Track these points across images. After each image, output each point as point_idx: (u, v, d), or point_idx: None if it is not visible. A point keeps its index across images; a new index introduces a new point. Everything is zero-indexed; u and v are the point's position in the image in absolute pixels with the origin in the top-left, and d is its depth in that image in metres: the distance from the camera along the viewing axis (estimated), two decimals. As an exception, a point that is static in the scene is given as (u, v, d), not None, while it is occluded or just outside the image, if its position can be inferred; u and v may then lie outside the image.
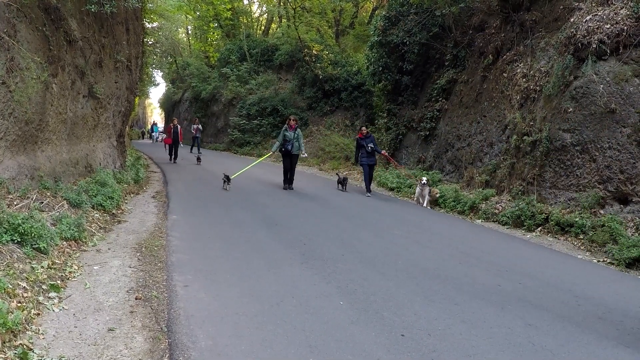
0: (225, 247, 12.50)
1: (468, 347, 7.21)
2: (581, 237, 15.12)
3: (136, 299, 8.44)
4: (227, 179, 23.04)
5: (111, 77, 19.94)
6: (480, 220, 18.34)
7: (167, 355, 6.51)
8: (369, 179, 25.15)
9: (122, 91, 22.41)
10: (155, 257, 11.16)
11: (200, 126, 47.09)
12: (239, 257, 11.53)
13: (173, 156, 38.21)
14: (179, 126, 39.71)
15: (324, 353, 6.78)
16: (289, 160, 24.87)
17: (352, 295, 9.21)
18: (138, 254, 11.24)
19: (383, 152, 27.07)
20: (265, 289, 9.34)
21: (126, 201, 17.84)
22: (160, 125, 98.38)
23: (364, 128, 26.10)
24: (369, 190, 24.82)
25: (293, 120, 25.27)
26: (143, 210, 16.83)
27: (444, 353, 6.98)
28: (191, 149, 46.85)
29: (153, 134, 77.62)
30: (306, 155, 27.72)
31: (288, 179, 24.94)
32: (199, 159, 36.71)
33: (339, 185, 25.79)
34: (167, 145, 39.76)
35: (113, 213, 15.26)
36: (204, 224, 15.18)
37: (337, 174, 29.38)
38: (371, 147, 24.98)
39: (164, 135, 69.97)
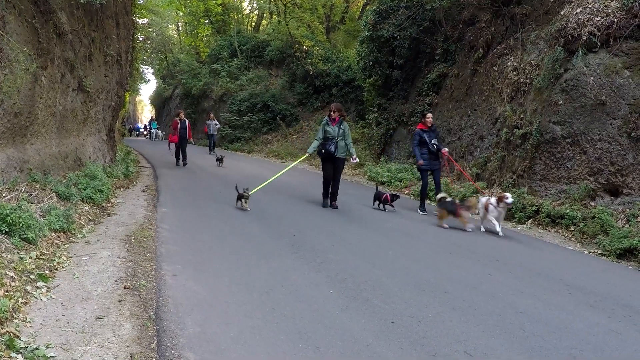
0: (215, 238, 12.49)
1: (458, 334, 7.20)
2: (572, 229, 15.17)
3: (125, 288, 8.40)
4: (242, 196, 16.78)
5: (101, 71, 19.87)
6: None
7: (155, 342, 6.46)
8: (425, 191, 19.19)
9: (112, 85, 22.33)
10: (144, 248, 11.11)
11: (216, 122, 42.61)
12: (228, 248, 11.52)
13: (181, 158, 31.48)
14: (186, 120, 32.29)
15: (313, 339, 6.76)
16: (332, 167, 18.21)
17: (342, 284, 9.20)
18: (127, 245, 11.19)
19: (444, 150, 18.99)
20: (254, 278, 9.32)
21: (116, 195, 17.79)
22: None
23: (429, 115, 19.02)
24: (422, 204, 18.95)
25: (336, 110, 18.32)
26: (133, 203, 16.78)
27: (434, 339, 6.97)
28: (209, 149, 42.19)
29: (152, 130, 74.13)
30: (357, 160, 20.34)
31: (330, 193, 18.44)
32: (220, 159, 31.87)
33: (377, 202, 18.73)
34: (173, 145, 32.80)
35: (102, 206, 15.20)
36: (194, 216, 15.16)
37: (376, 185, 20.85)
38: (436, 145, 18.47)
39: (159, 131, 69.22)
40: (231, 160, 31.09)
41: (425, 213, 18.55)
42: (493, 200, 15.47)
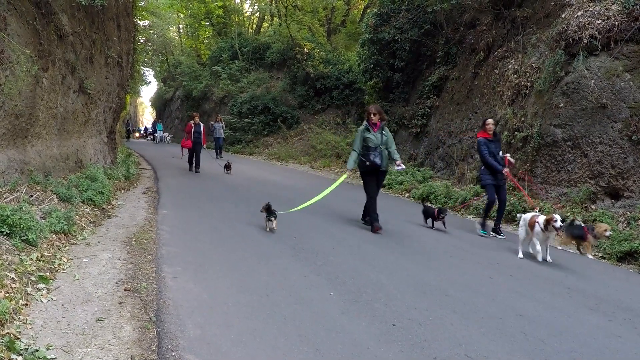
0: (216, 240, 12.47)
1: (459, 337, 7.20)
2: (572, 231, 15.15)
3: (125, 290, 8.40)
4: (269, 213, 14.02)
5: (102, 73, 19.88)
6: (472, 215, 18.36)
7: (155, 344, 6.46)
8: (490, 209, 16.14)
9: (113, 87, 22.34)
10: (145, 250, 11.14)
11: (223, 124, 41.74)
12: (229, 250, 11.51)
13: (195, 164, 29.10)
14: (201, 124, 29.53)
15: (313, 342, 6.76)
16: (375, 180, 15.52)
17: (343, 286, 9.21)
18: (128, 247, 11.22)
19: (507, 156, 15.90)
20: (255, 280, 9.33)
21: (116, 196, 17.79)
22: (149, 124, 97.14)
23: (489, 121, 15.87)
24: (497, 227, 15.82)
25: (376, 112, 15.40)
26: (133, 205, 16.79)
27: (435, 342, 6.96)
28: (216, 153, 40.04)
29: (156, 133, 70.37)
30: (403, 167, 16.45)
31: (373, 208, 15.28)
32: (228, 166, 29.39)
33: (428, 219, 16.36)
34: (186, 151, 29.55)
35: (103, 208, 15.21)
36: (195, 218, 15.17)
37: (423, 203, 18.07)
38: (502, 156, 15.77)
39: (165, 134, 68.09)
40: (233, 163, 30.52)
41: (486, 235, 15.56)
42: (541, 219, 12.57)
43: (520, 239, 13.30)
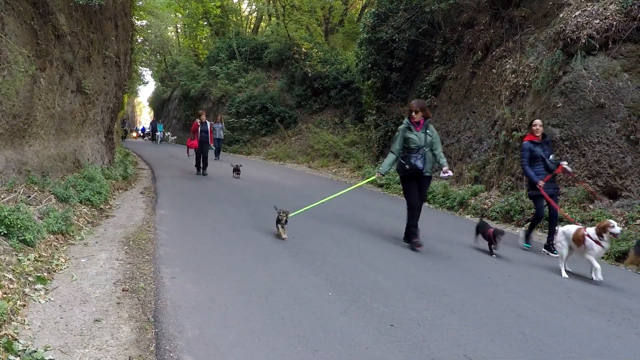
0: (214, 241, 12.45)
1: (458, 337, 7.20)
2: (570, 231, 15.16)
3: (123, 290, 8.38)
4: (281, 219, 13.10)
5: (99, 73, 19.86)
6: (470, 215, 18.39)
7: (153, 345, 6.46)
8: (538, 222, 14.74)
9: (111, 87, 22.32)
10: (143, 250, 11.11)
11: (223, 124, 39.93)
12: (227, 251, 11.49)
13: (202, 165, 27.48)
14: (208, 122, 27.88)
15: (312, 343, 6.75)
16: (416, 187, 13.34)
17: (341, 287, 9.20)
18: (125, 248, 11.20)
19: (563, 164, 14.12)
20: (253, 281, 9.31)
21: (114, 196, 17.76)
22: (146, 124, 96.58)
23: (536, 122, 14.18)
24: (549, 243, 13.83)
25: (419, 109, 13.21)
26: (131, 205, 16.75)
27: (434, 342, 6.96)
28: (215, 154, 37.51)
29: (157, 133, 68.13)
30: (450, 174, 13.68)
31: (413, 222, 13.33)
32: (237, 169, 27.03)
33: (482, 238, 13.49)
34: (193, 152, 27.81)
35: (101, 208, 15.18)
36: (193, 218, 15.14)
37: (481, 217, 16.16)
38: (553, 161, 14.12)
39: (167, 134, 67.49)
40: (231, 164, 29.95)
41: (529, 248, 14.22)
42: (591, 231, 11.14)
43: (562, 258, 11.65)
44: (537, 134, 14.06)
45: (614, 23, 15.94)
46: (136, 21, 41.48)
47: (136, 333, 6.79)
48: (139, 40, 57.11)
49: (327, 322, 7.48)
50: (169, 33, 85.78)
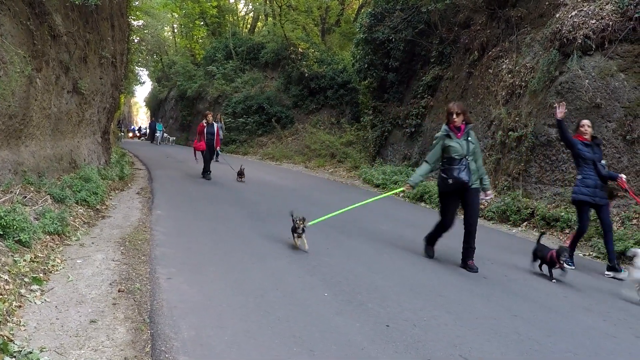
0: (210, 241, 12.45)
1: (453, 337, 7.21)
2: (567, 231, 15.23)
3: (119, 291, 8.37)
4: (297, 228, 11.82)
5: (96, 73, 19.83)
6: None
7: (149, 346, 6.46)
8: (581, 236, 13.11)
9: (107, 87, 22.29)
10: (139, 250, 11.12)
11: (222, 124, 39.03)
12: (223, 251, 11.49)
13: (207, 167, 25.80)
14: (215, 124, 26.31)
15: (308, 343, 6.75)
16: (457, 204, 11.79)
17: (337, 287, 9.20)
18: (122, 248, 11.18)
19: (621, 178, 12.74)
20: (249, 281, 9.31)
21: (111, 197, 17.73)
22: (144, 124, 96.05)
23: (584, 123, 12.77)
24: (612, 263, 12.30)
25: (460, 111, 11.49)
26: (127, 205, 16.74)
27: (429, 343, 6.97)
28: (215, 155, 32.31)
29: (156, 133, 65.61)
30: (492, 195, 13.91)
31: (466, 247, 11.59)
32: (241, 173, 25.39)
33: (542, 264, 11.57)
34: (200, 154, 25.91)
35: (97, 208, 15.15)
36: (189, 218, 15.15)
37: (539, 236, 12.50)
38: (604, 165, 12.94)
39: (167, 135, 66.64)
40: (228, 164, 29.11)
41: (572, 267, 12.23)
42: None
43: (637, 283, 10.11)
44: (586, 135, 12.56)
45: (610, 23, 15.99)
46: (132, 21, 41.45)
47: (132, 334, 6.79)
48: (136, 41, 57.12)
49: (322, 323, 7.48)
50: (166, 33, 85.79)
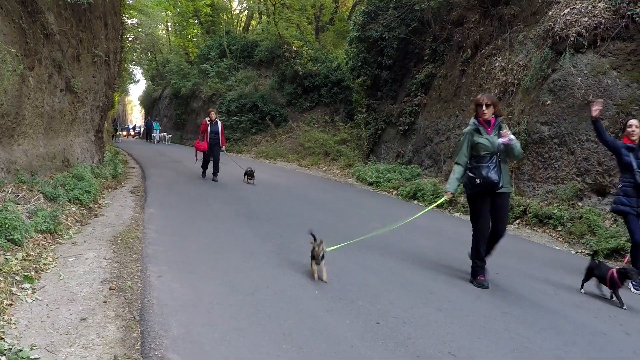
0: (202, 239, 12.47)
1: (444, 335, 7.23)
2: (559, 229, 15.20)
3: (110, 289, 8.40)
4: (316, 255, 9.68)
5: (89, 72, 19.83)
6: (459, 213, 18.38)
7: (139, 343, 6.49)
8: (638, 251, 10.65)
9: (100, 86, 22.28)
10: (131, 249, 11.16)
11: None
12: (215, 249, 11.53)
13: (213, 170, 24.65)
14: (219, 122, 24.93)
15: (297, 340, 6.78)
16: (489, 207, 10.20)
17: (327, 284, 9.25)
18: (113, 246, 11.23)
19: None
20: (240, 279, 9.35)
21: (104, 195, 17.77)
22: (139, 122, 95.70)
23: (632, 123, 11.09)
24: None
25: (490, 103, 10.04)
26: (120, 204, 16.76)
27: (419, 340, 7.00)
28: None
29: (153, 133, 65.27)
30: (511, 135, 10.13)
31: (479, 257, 10.23)
32: (250, 174, 24.34)
33: (600, 284, 9.88)
34: (201, 155, 25.19)
35: (90, 207, 15.18)
36: (181, 217, 15.18)
37: (593, 255, 10.79)
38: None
39: (163, 134, 66.19)
40: (224, 163, 27.98)
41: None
42: None
43: None
44: (633, 138, 10.87)
45: (603, 21, 15.98)
46: (126, 20, 41.40)
47: (122, 332, 6.82)
48: (130, 39, 57.04)
49: (312, 320, 7.51)
50: (160, 31, 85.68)
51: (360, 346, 6.72)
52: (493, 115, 10.05)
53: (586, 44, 16.17)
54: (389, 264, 10.96)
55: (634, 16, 15.29)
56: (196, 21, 66.98)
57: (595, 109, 10.87)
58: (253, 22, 69.65)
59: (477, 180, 9.87)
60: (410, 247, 12.77)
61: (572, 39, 16.47)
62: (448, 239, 14.01)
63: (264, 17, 62.13)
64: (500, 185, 9.83)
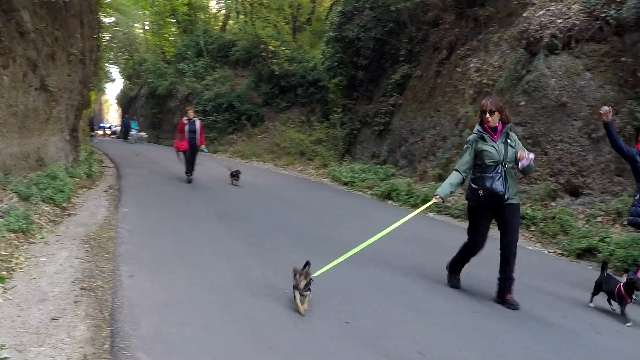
0: (176, 238, 12.44)
1: (414, 334, 7.26)
2: (532, 228, 15.27)
3: (81, 289, 8.38)
4: (298, 284, 7.91)
5: (64, 71, 19.77)
6: (433, 213, 18.39)
7: (108, 343, 6.49)
8: None
9: (76, 85, 22.20)
10: (103, 248, 11.14)
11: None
12: (188, 248, 11.51)
13: (188, 168, 23.69)
14: (197, 120, 24.18)
15: (268, 339, 6.80)
16: (489, 221, 9.59)
17: (299, 285, 9.19)
18: (86, 246, 11.20)
19: None
20: (213, 278, 9.36)
21: (78, 195, 17.66)
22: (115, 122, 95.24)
23: None
24: None
25: (495, 109, 9.14)
26: (94, 203, 16.70)
27: (389, 339, 7.03)
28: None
29: (132, 131, 64.73)
30: (531, 156, 9.09)
31: (502, 277, 9.24)
32: (236, 175, 23.56)
33: (610, 298, 9.04)
34: (182, 154, 23.90)
35: (63, 206, 15.09)
36: (155, 216, 15.16)
37: (603, 265, 9.71)
38: None
39: (141, 133, 65.63)
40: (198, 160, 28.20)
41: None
42: None
43: None
44: None
45: (577, 22, 16.12)
46: (103, 18, 41.30)
47: (92, 331, 6.82)
48: (106, 38, 56.87)
49: (283, 319, 7.54)
50: (137, 30, 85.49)
51: (330, 345, 6.75)
52: (500, 122, 9.20)
53: (560, 45, 16.32)
54: (361, 264, 10.94)
55: (607, 18, 15.42)
56: (173, 20, 66.84)
57: (606, 112, 9.86)
58: (230, 22, 69.55)
59: (481, 192, 8.98)
60: (380, 247, 12.79)
61: (546, 40, 16.61)
62: (418, 239, 14.05)
63: (241, 16, 62.02)
64: (507, 197, 8.93)
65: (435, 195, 9.57)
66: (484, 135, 9.15)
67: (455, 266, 9.94)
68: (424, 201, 18.47)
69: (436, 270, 10.64)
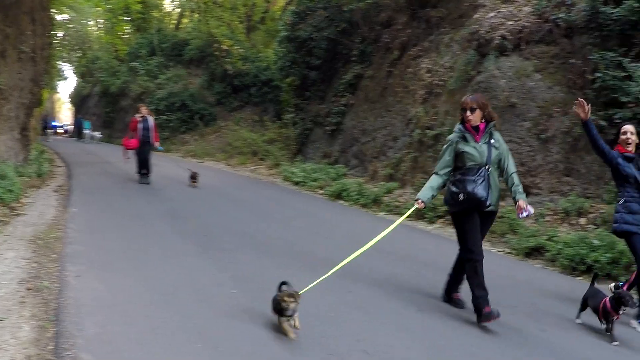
0: (124, 238, 12.40)
1: (359, 332, 7.31)
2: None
3: (27, 289, 8.33)
4: (285, 308, 6.97)
5: (14, 68, 19.59)
6: (383, 212, 18.45)
7: (52, 344, 6.47)
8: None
9: (26, 83, 21.99)
10: (51, 248, 11.05)
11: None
12: (136, 248, 11.46)
13: (144, 170, 22.95)
14: (150, 118, 23.41)
15: (213, 339, 6.82)
16: (477, 223, 8.53)
17: (247, 284, 9.30)
18: (33, 246, 11.12)
19: None
20: (160, 278, 9.34)
21: (27, 194, 17.52)
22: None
23: (626, 129, 9.20)
24: None
25: (476, 106, 8.45)
26: (43, 203, 16.58)
27: (333, 338, 7.08)
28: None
29: (85, 130, 63.04)
30: (532, 211, 8.59)
31: (479, 288, 8.20)
32: (194, 177, 22.82)
33: (598, 314, 8.05)
34: (131, 153, 23.38)
35: (12, 206, 14.96)
36: (105, 216, 15.09)
37: (593, 277, 9.05)
38: None
39: (96, 134, 64.93)
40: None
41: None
42: None
43: None
44: (629, 147, 9.08)
45: (527, 24, 16.34)
46: (55, 15, 40.90)
47: (36, 332, 6.79)
48: (59, 35, 56.36)
49: (228, 319, 7.56)
50: (90, 28, 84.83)
51: (274, 345, 6.77)
52: (483, 120, 8.54)
53: (510, 47, 16.50)
54: (309, 264, 10.93)
55: (557, 21, 15.61)
56: (127, 18, 66.43)
57: (582, 109, 8.77)
58: (184, 20, 69.26)
59: (461, 196, 8.30)
60: (330, 247, 12.82)
61: (496, 42, 16.79)
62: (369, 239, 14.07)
63: (195, 15, 61.80)
64: (488, 203, 8.29)
65: (417, 200, 8.85)
66: (465, 135, 8.51)
67: (454, 288, 9.22)
68: (374, 201, 18.58)
69: (384, 271, 10.78)
